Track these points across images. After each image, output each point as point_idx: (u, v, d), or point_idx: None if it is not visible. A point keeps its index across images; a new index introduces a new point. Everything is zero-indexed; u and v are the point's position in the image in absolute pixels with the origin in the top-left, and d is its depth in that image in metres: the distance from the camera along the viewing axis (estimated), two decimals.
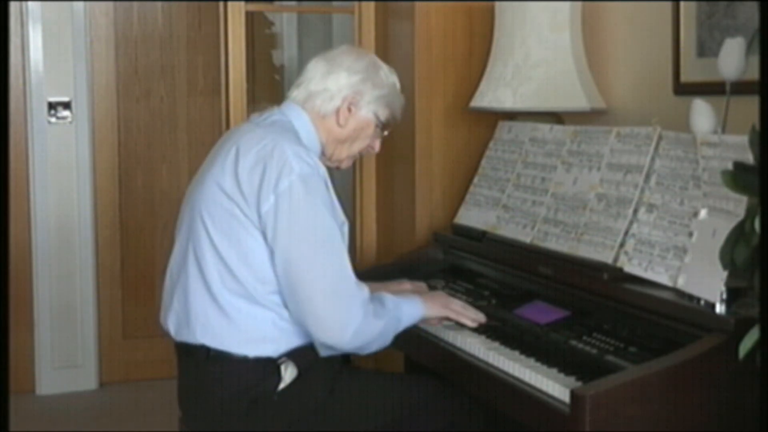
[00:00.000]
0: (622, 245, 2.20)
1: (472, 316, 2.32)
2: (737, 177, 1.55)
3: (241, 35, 3.29)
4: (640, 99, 2.72)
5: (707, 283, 1.90)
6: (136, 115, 4.45)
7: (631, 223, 2.21)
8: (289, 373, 2.15)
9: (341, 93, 2.31)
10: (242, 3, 3.29)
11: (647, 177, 2.22)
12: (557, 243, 2.40)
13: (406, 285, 2.52)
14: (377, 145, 2.43)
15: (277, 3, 4.68)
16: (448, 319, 2.33)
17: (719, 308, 1.87)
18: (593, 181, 2.38)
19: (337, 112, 2.31)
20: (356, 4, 3.37)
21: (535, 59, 2.72)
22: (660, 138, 2.23)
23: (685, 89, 2.51)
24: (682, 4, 2.52)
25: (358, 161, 3.28)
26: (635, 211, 2.21)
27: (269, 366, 2.14)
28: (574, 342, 2.10)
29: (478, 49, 3.01)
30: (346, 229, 2.21)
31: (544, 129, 2.66)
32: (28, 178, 4.19)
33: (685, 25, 2.51)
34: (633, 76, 2.76)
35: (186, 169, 4.41)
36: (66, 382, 4.27)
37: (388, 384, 2.32)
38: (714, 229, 1.91)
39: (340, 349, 2.14)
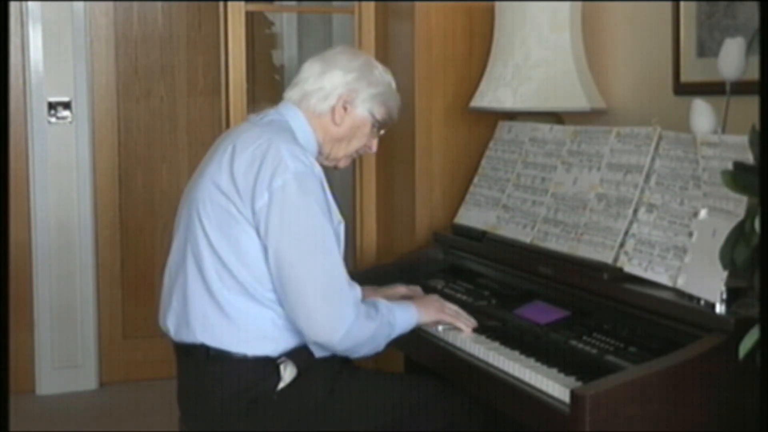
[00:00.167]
0: (622, 245, 2.20)
1: (466, 321, 2.33)
2: (737, 177, 1.55)
3: (241, 35, 3.29)
4: (640, 99, 2.72)
5: (707, 283, 1.90)
6: (136, 115, 4.45)
7: (631, 223, 2.21)
8: (288, 373, 2.15)
9: (336, 91, 2.31)
10: (242, 3, 3.29)
11: (647, 177, 2.22)
12: (557, 243, 2.40)
13: (401, 288, 2.52)
14: (374, 145, 2.43)
15: (277, 3, 4.68)
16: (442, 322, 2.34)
17: (719, 308, 1.87)
18: (593, 181, 2.38)
19: (333, 110, 2.31)
20: (356, 4, 3.37)
21: (535, 59, 2.72)
22: (660, 138, 2.22)
23: (685, 89, 2.51)
24: (682, 4, 2.51)
25: (358, 161, 3.28)
26: (635, 211, 2.21)
27: (269, 365, 2.14)
28: (574, 342, 2.10)
29: (478, 49, 3.01)
30: (342, 229, 2.21)
31: (544, 129, 2.66)
32: (28, 178, 4.19)
33: (685, 25, 2.51)
34: (633, 76, 2.76)
35: (186, 169, 4.40)
36: (66, 382, 4.26)
37: (388, 384, 2.31)
38: (714, 229, 1.91)
39: (331, 348, 2.14)
